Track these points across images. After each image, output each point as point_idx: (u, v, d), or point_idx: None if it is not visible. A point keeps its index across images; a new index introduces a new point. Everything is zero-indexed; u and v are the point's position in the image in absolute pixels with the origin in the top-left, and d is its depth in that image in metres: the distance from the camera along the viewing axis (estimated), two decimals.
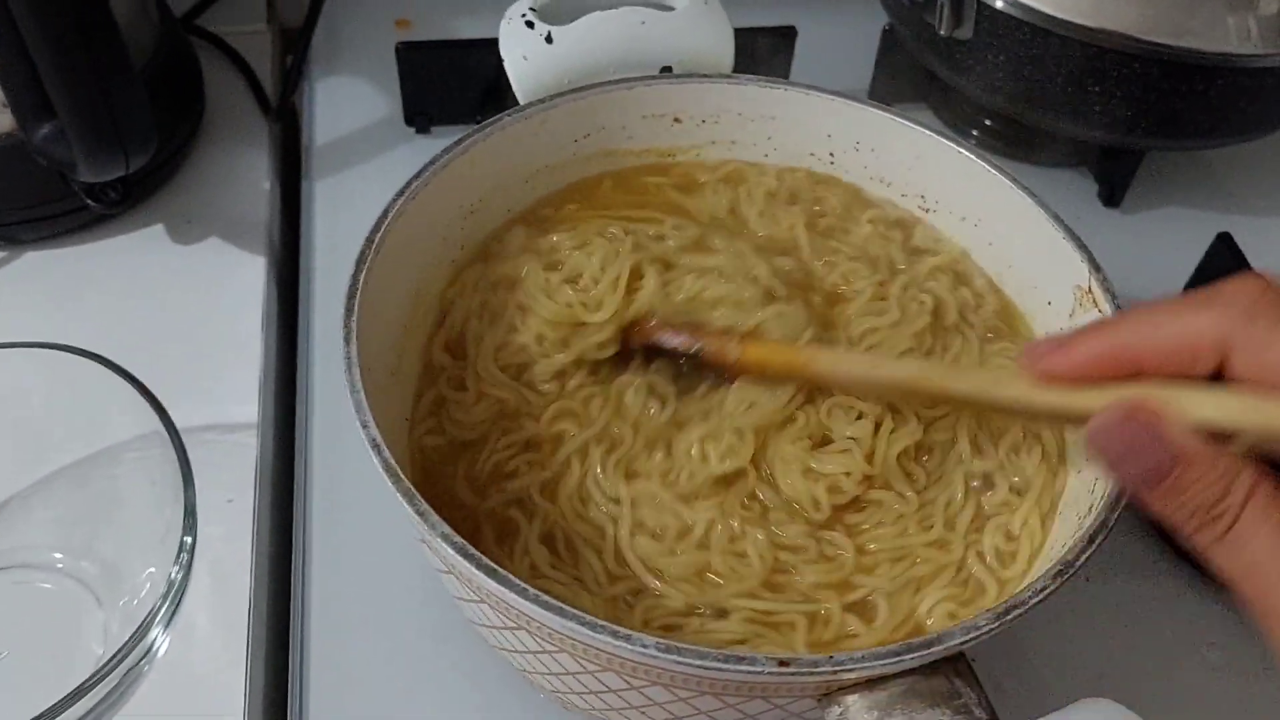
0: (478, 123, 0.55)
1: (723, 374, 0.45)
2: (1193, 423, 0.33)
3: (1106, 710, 0.32)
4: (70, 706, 0.39)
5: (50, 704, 0.39)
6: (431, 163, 0.45)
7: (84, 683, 0.40)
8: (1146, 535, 0.54)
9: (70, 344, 0.48)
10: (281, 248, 0.68)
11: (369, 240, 0.42)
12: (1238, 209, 0.72)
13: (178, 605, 0.43)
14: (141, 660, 0.42)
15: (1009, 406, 0.39)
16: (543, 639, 0.35)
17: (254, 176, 0.68)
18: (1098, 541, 0.36)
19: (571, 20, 0.51)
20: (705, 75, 0.51)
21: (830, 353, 0.45)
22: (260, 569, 0.52)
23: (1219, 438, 0.32)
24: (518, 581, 0.33)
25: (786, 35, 0.70)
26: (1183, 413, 0.33)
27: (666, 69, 0.52)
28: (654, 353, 0.46)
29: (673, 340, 0.45)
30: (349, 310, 0.39)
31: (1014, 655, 0.49)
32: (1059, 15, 0.60)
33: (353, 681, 0.47)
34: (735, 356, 0.44)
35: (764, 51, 0.67)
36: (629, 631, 0.32)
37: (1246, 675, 0.50)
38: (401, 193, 0.44)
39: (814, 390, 0.44)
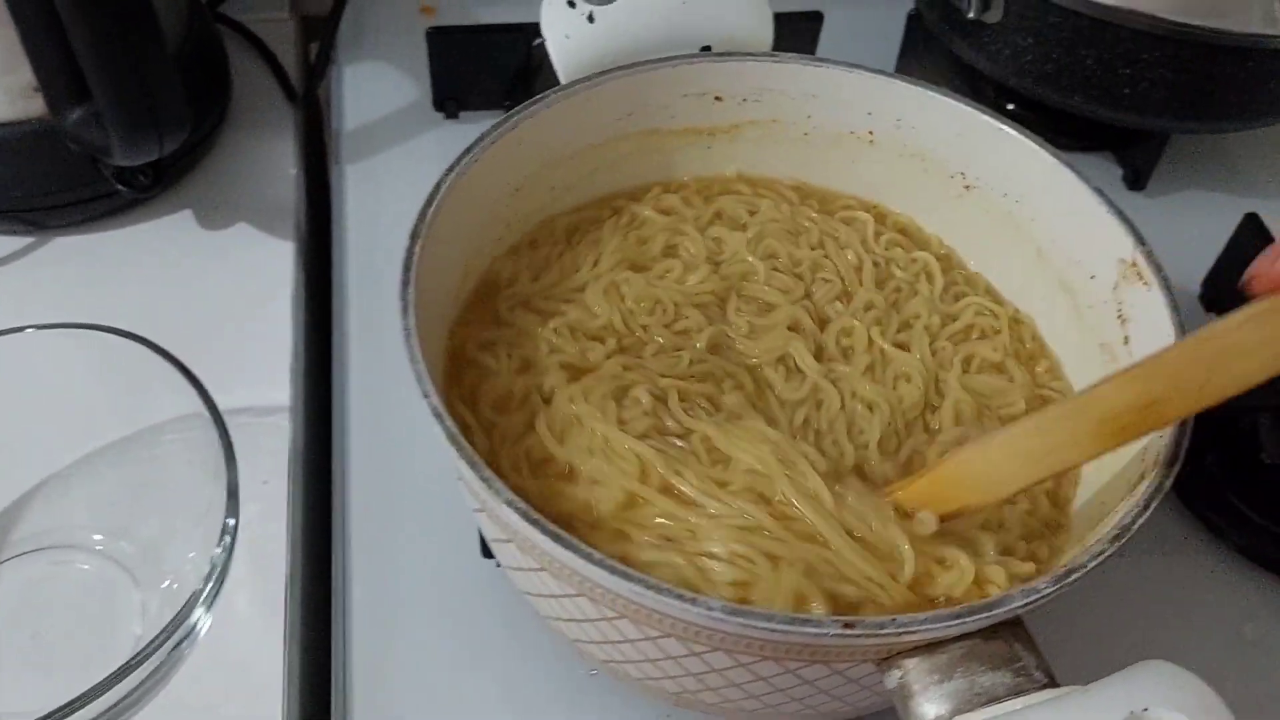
0: (505, 107, 0.56)
1: None
2: None
3: (1168, 672, 0.32)
4: (114, 686, 0.39)
5: (93, 683, 0.39)
6: (481, 138, 0.45)
7: (128, 661, 0.40)
8: (1182, 511, 0.54)
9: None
10: (309, 232, 0.68)
11: (422, 215, 0.42)
12: (1259, 192, 0.72)
13: (220, 586, 0.43)
14: (184, 641, 0.43)
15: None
16: (604, 605, 0.35)
17: (280, 162, 0.68)
18: (1152, 506, 0.36)
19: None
20: (748, 54, 0.51)
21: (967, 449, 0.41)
22: (296, 549, 0.52)
23: None
24: (584, 546, 0.33)
25: (813, 20, 0.70)
26: None
27: (706, 48, 0.52)
28: None
29: None
30: (405, 282, 0.39)
31: (1053, 633, 0.49)
32: None
33: (396, 656, 0.48)
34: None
35: (790, 36, 0.67)
36: (694, 595, 0.33)
37: None
38: (452, 168, 0.44)
39: None
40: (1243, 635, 0.51)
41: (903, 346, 0.49)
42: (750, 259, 0.51)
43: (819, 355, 0.48)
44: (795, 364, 0.48)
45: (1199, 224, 0.65)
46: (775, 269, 0.51)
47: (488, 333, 0.47)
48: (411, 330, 0.38)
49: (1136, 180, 0.71)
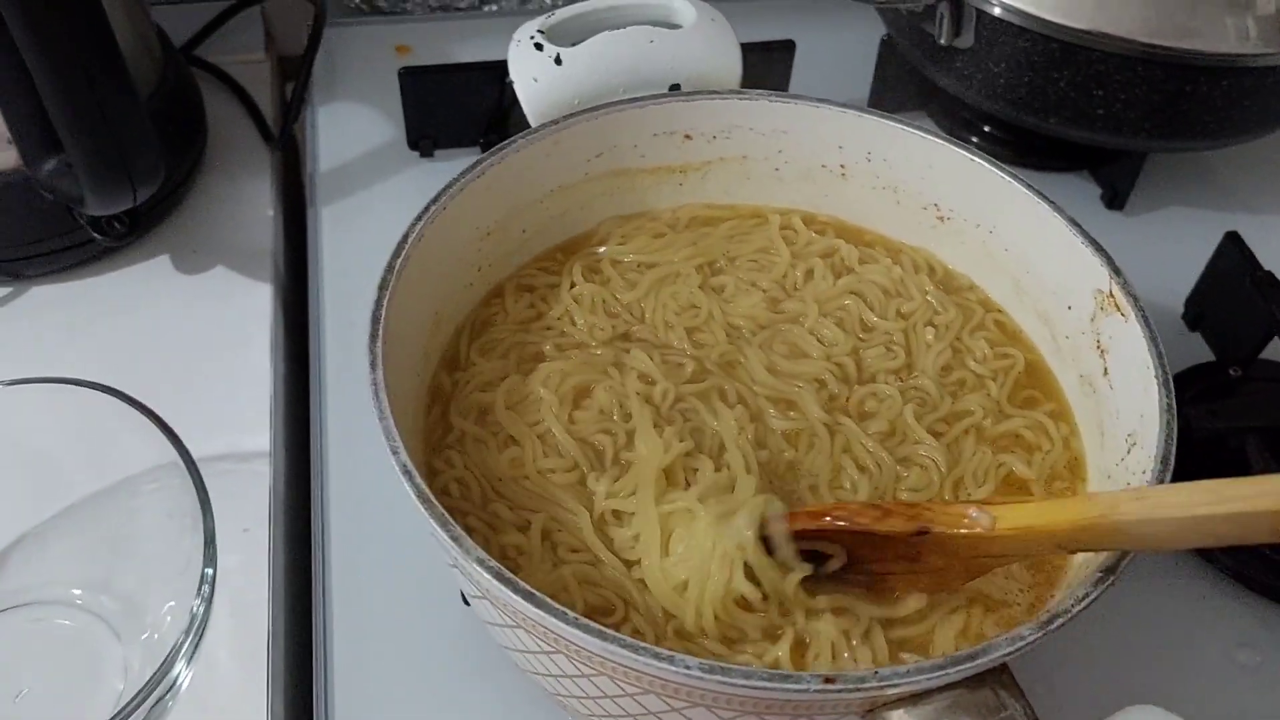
0: (481, 145, 0.56)
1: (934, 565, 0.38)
2: None
3: (1155, 717, 0.31)
4: None
5: None
6: (448, 186, 0.45)
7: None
8: None
9: (80, 377, 0.47)
10: (287, 275, 0.68)
11: (390, 266, 0.42)
12: (1240, 208, 0.72)
13: (200, 638, 0.43)
14: (166, 695, 0.42)
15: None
16: (581, 662, 0.35)
17: (257, 204, 0.68)
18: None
19: (579, 40, 0.51)
20: (715, 92, 0.51)
21: (1138, 496, 0.34)
22: (278, 597, 0.52)
23: None
24: (557, 606, 0.33)
25: (785, 49, 0.70)
26: None
27: (675, 86, 0.52)
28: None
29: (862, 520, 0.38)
30: (374, 336, 0.39)
31: (1044, 659, 0.48)
32: (1059, 20, 0.60)
33: (378, 706, 0.47)
34: (986, 528, 0.35)
35: (763, 65, 0.67)
36: (671, 653, 0.32)
37: (1278, 676, 0.50)
38: (420, 217, 0.43)
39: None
40: (1236, 661, 0.51)
41: (935, 434, 0.47)
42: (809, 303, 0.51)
43: (829, 407, 0.47)
44: (798, 407, 0.47)
45: (1180, 242, 0.65)
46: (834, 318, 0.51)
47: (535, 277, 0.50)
48: (380, 385, 0.38)
49: (1115, 199, 0.71)
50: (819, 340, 0.50)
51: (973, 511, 0.36)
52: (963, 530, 0.36)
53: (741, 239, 0.54)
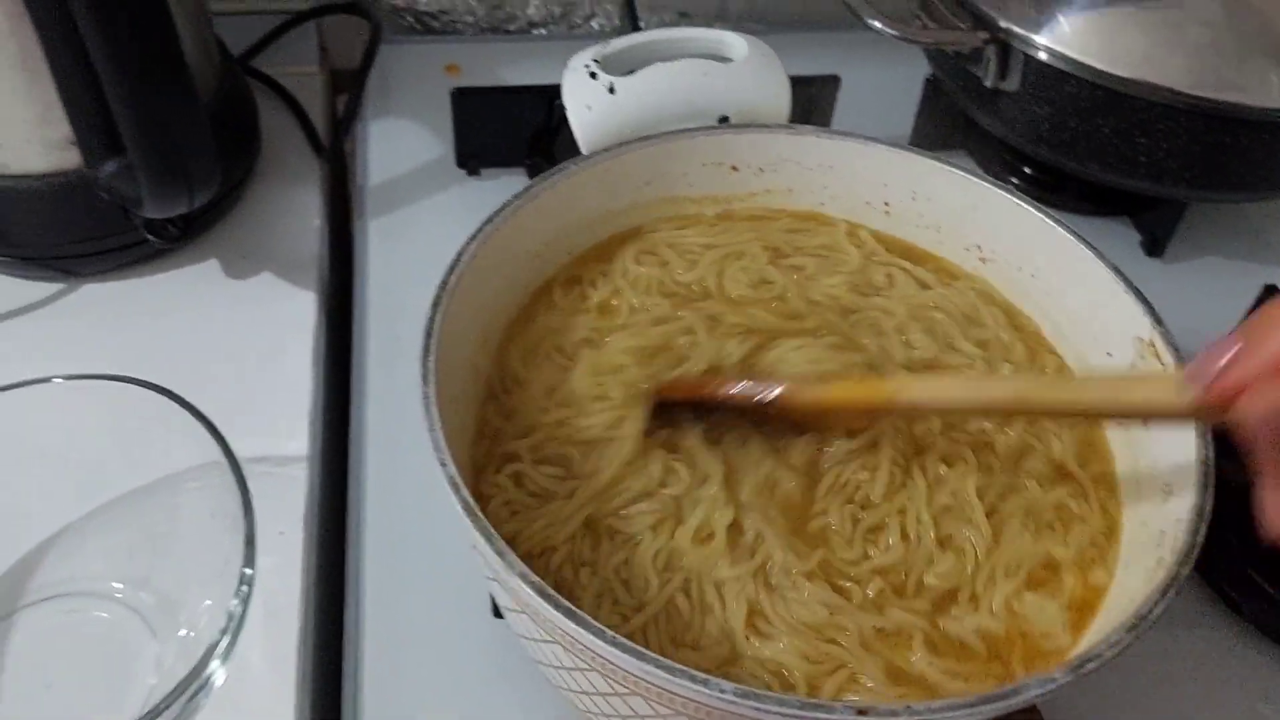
0: (526, 166, 0.56)
1: (795, 425, 0.43)
2: None
3: None
4: None
5: None
6: (502, 208, 0.46)
7: (144, 715, 0.40)
8: (1200, 587, 0.54)
9: (127, 375, 0.48)
10: (331, 284, 0.69)
11: (443, 283, 0.43)
12: (1277, 260, 0.72)
13: (236, 638, 0.43)
14: (199, 693, 0.43)
15: (1139, 410, 0.39)
16: (616, 681, 0.35)
17: (306, 214, 0.69)
18: (1169, 594, 0.37)
19: (633, 70, 0.52)
20: (764, 125, 0.52)
21: (922, 380, 0.43)
22: (310, 601, 0.52)
23: None
24: (595, 624, 0.33)
25: (831, 83, 0.71)
26: None
27: (724, 118, 0.53)
28: (702, 409, 0.44)
29: (733, 391, 0.44)
30: (426, 350, 0.40)
31: (1067, 707, 0.49)
32: (1105, 68, 0.60)
33: (405, 715, 0.48)
34: (816, 397, 0.42)
35: (808, 99, 0.68)
36: (706, 676, 0.33)
37: None
38: (474, 236, 0.44)
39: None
40: (1258, 713, 0.51)
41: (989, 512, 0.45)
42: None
43: (906, 450, 0.46)
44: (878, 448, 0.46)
45: (1218, 292, 0.65)
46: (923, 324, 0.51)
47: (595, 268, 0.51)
48: (431, 398, 0.38)
49: (1154, 246, 0.71)
50: (907, 343, 0.49)
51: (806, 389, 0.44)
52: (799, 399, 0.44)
53: (803, 233, 0.54)
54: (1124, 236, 0.72)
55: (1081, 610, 0.43)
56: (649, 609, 0.40)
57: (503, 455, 0.46)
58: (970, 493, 0.45)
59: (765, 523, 0.43)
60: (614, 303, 0.51)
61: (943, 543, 0.44)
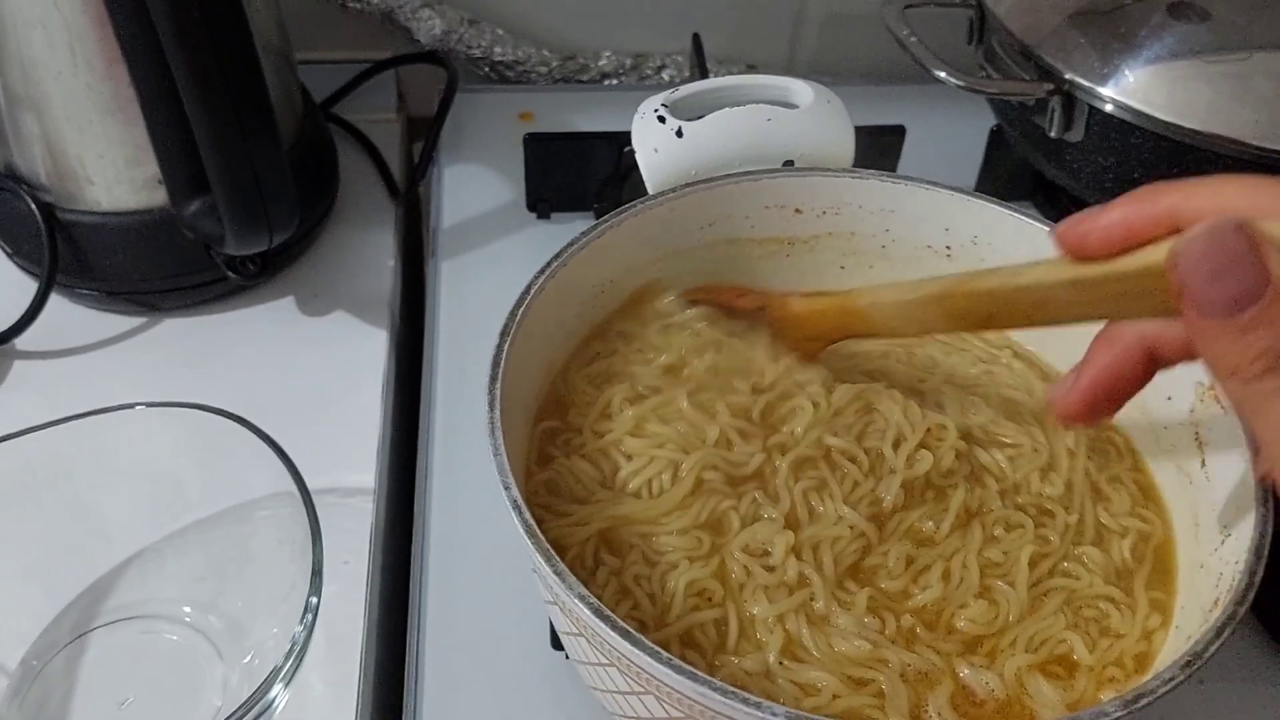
0: (595, 210, 0.57)
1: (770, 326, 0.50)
2: None
3: None
4: None
5: None
6: (570, 244, 0.47)
7: None
8: (1252, 629, 0.53)
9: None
10: (402, 323, 0.71)
11: (512, 314, 0.44)
12: None
13: (300, 664, 0.44)
14: (261, 716, 0.44)
15: (1062, 294, 0.37)
16: (670, 704, 0.36)
17: (380, 254, 0.71)
18: (1225, 634, 0.36)
19: (701, 115, 0.53)
20: (827, 169, 0.53)
21: (866, 287, 0.47)
22: (371, 630, 0.53)
23: None
24: (652, 645, 0.34)
25: (896, 133, 0.72)
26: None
27: (789, 162, 0.54)
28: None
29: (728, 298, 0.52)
30: (494, 378, 0.41)
31: None
32: (1171, 120, 0.60)
33: None
34: (790, 310, 0.49)
35: (874, 148, 0.69)
36: (759, 699, 0.33)
37: None
38: (543, 271, 0.46)
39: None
40: None
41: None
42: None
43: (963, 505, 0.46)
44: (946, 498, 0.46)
45: None
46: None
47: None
48: (496, 423, 0.40)
49: None
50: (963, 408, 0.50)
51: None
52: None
53: None
54: None
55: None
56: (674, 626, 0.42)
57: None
58: (1024, 560, 0.44)
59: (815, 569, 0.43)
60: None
61: (981, 594, 0.44)
